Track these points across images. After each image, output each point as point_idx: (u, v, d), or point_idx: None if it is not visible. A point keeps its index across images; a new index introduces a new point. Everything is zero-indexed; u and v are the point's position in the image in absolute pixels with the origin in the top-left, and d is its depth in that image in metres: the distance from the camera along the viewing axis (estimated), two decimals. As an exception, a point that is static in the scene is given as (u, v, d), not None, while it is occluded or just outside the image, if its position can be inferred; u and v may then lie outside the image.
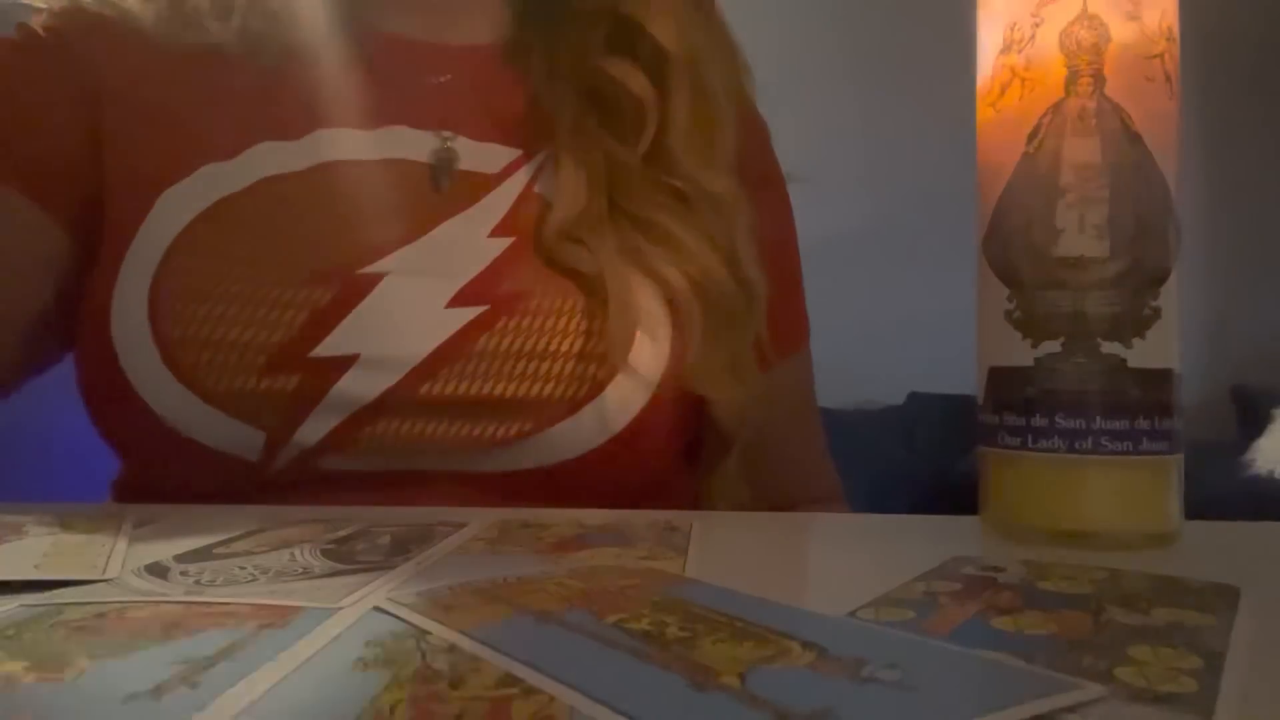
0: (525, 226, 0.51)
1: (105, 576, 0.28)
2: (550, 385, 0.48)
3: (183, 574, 0.29)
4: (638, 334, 0.49)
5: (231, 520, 0.37)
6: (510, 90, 0.57)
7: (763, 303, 0.56)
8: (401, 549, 0.32)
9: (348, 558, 0.31)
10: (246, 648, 0.20)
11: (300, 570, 0.29)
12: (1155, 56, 0.34)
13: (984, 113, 0.36)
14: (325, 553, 0.31)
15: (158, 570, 0.29)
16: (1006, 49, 0.35)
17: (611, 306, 0.49)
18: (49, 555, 0.32)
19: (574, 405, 0.48)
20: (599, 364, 0.48)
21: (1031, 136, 0.34)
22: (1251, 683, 0.19)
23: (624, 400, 0.49)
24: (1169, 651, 0.21)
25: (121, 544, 0.33)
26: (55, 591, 0.26)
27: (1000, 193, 0.35)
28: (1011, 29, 0.35)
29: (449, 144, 0.53)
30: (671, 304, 0.52)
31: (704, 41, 0.57)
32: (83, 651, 0.20)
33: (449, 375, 0.47)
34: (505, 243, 0.51)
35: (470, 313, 0.48)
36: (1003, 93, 0.35)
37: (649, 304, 0.51)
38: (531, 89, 0.56)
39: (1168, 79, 0.34)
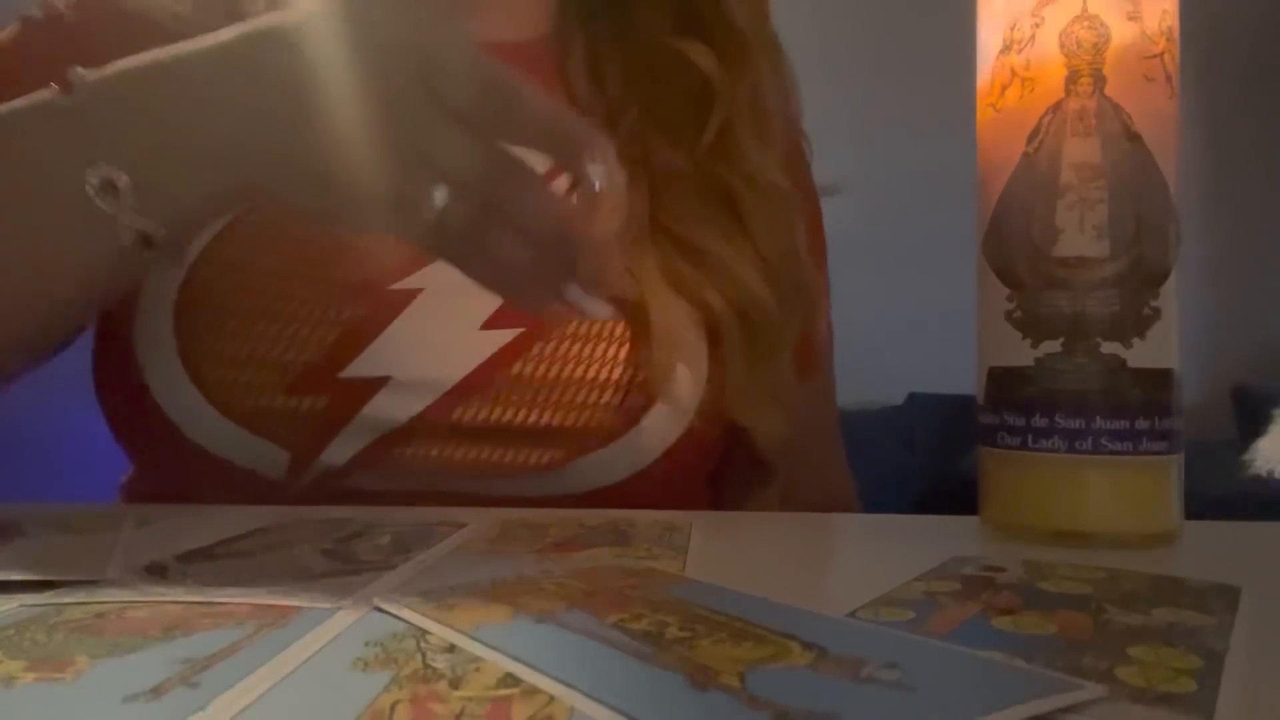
0: None
1: (105, 576, 0.28)
2: (586, 415, 0.47)
3: (183, 574, 0.29)
4: (677, 364, 0.48)
5: (232, 520, 0.37)
6: (550, 90, 0.54)
7: (818, 298, 0.54)
8: (401, 549, 0.32)
9: (348, 558, 0.31)
10: (246, 648, 0.20)
11: (300, 570, 0.29)
12: (1155, 56, 0.34)
13: (984, 113, 0.36)
14: (325, 553, 0.31)
15: (158, 570, 0.29)
16: (1006, 49, 0.35)
17: (655, 335, 0.47)
18: (49, 555, 0.32)
19: (608, 436, 0.47)
20: (637, 394, 0.47)
21: (1031, 136, 0.34)
22: (1251, 683, 0.19)
23: (660, 432, 0.48)
24: (1169, 651, 0.21)
25: (121, 544, 0.33)
26: (55, 591, 0.26)
27: (1000, 193, 0.35)
28: (1011, 29, 0.35)
29: None
30: (712, 331, 0.50)
31: (765, 45, 0.55)
32: (83, 651, 0.20)
33: (482, 401, 0.46)
34: None
35: (505, 336, 0.47)
36: (1003, 93, 0.35)
37: (689, 332, 0.49)
38: (570, 91, 0.54)
39: (1168, 79, 0.34)
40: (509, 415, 0.46)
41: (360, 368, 0.45)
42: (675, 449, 0.49)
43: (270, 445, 0.45)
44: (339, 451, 0.46)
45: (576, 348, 0.47)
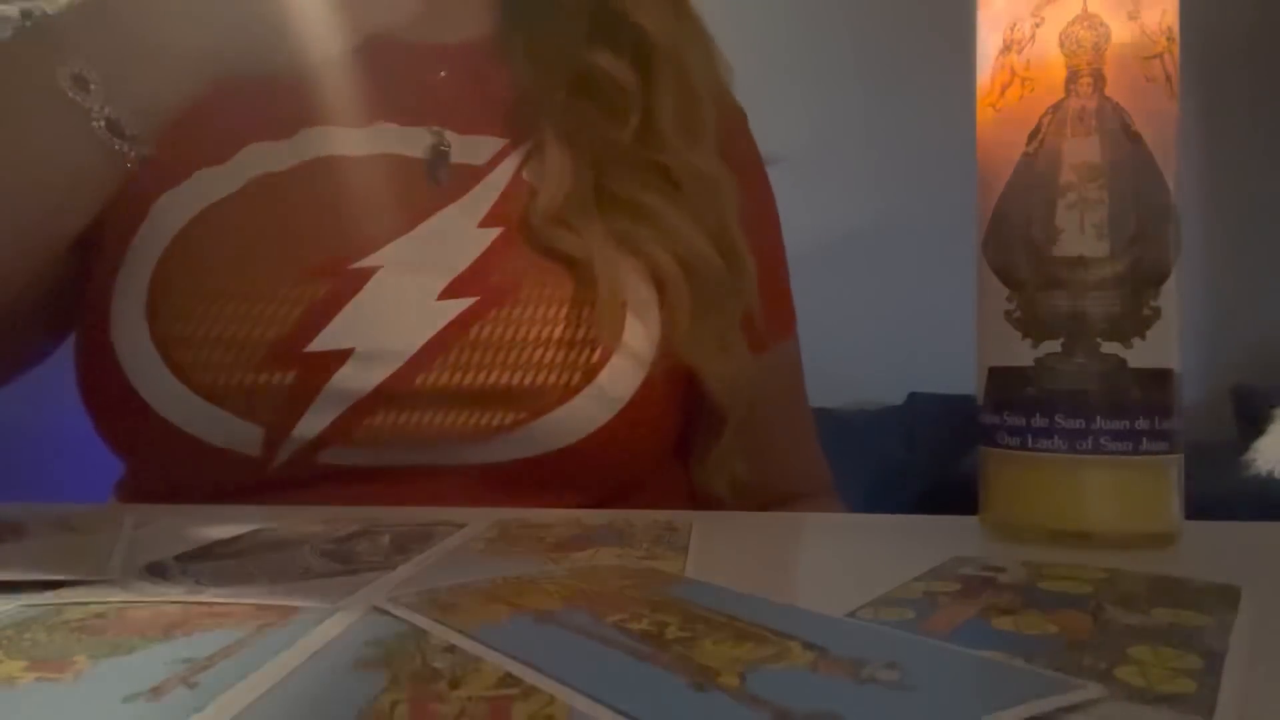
0: (513, 215, 0.52)
1: (105, 576, 0.28)
2: (544, 373, 0.48)
3: (183, 574, 0.29)
4: (628, 317, 0.50)
5: (231, 520, 0.37)
6: (497, 83, 0.58)
7: (753, 278, 0.57)
8: (401, 549, 0.32)
9: (348, 558, 0.31)
10: (246, 648, 0.20)
11: (300, 570, 0.29)
12: (1155, 56, 0.34)
13: (984, 113, 0.36)
14: (325, 553, 0.31)
15: (158, 570, 0.29)
16: (1006, 49, 0.35)
17: (601, 290, 0.50)
18: (49, 555, 0.32)
19: (569, 391, 0.49)
20: (591, 349, 0.49)
21: (1031, 136, 0.34)
22: (1251, 683, 0.19)
23: (619, 384, 0.50)
24: (1169, 651, 0.21)
25: (121, 544, 0.33)
26: (55, 591, 0.26)
27: (1000, 193, 0.35)
28: (1011, 29, 0.35)
29: (440, 137, 0.54)
30: (659, 285, 0.53)
31: (682, 31, 0.58)
32: (83, 651, 0.20)
33: (444, 365, 0.48)
34: (494, 233, 0.51)
35: (461, 304, 0.49)
36: (1003, 93, 0.35)
37: (637, 286, 0.52)
38: (517, 80, 0.57)
39: (1168, 79, 0.34)
40: (469, 378, 0.48)
41: (325, 341, 0.47)
42: (639, 396, 0.50)
43: (244, 422, 0.47)
44: (311, 424, 0.47)
45: (530, 310, 0.49)
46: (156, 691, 0.18)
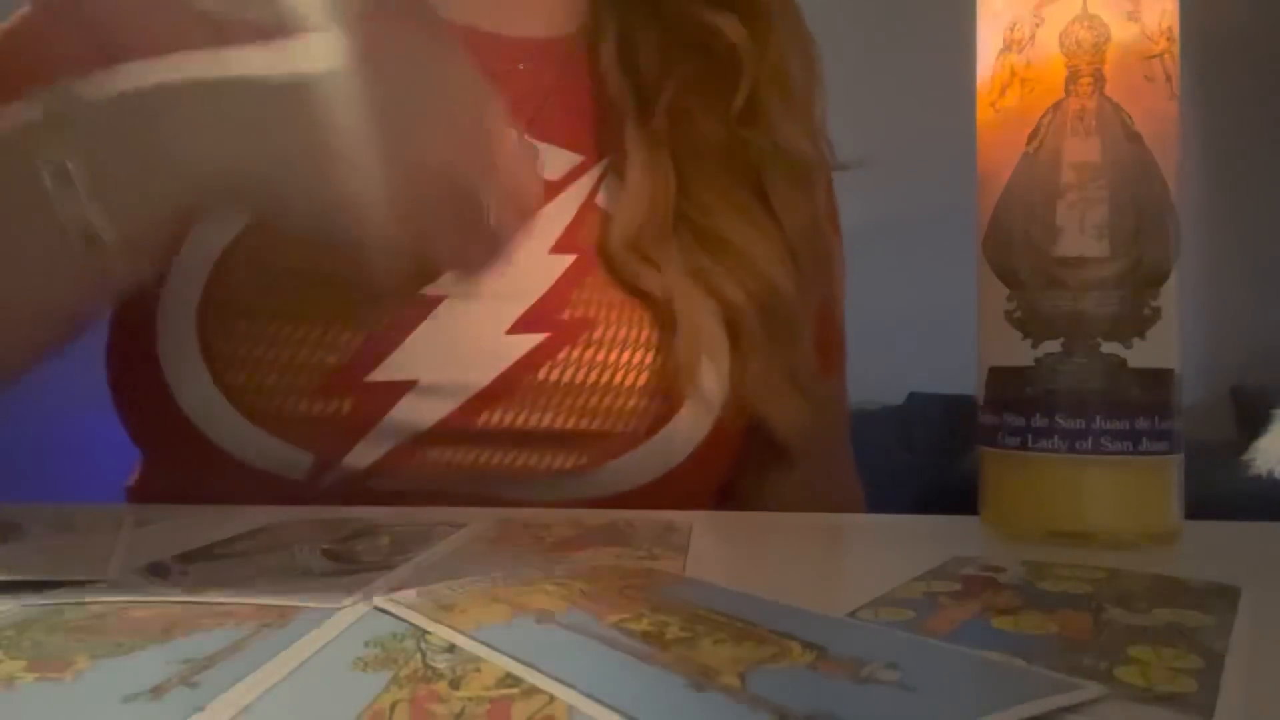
0: (587, 242, 0.49)
1: (105, 576, 0.28)
2: (612, 419, 0.46)
3: (183, 574, 0.29)
4: (702, 362, 0.48)
5: (231, 520, 0.37)
6: (579, 89, 0.55)
7: (837, 267, 0.56)
8: (401, 549, 0.32)
9: (348, 558, 0.31)
10: (246, 648, 0.20)
11: (300, 570, 0.29)
12: (1155, 56, 0.34)
13: (984, 113, 0.36)
14: (325, 553, 0.31)
15: (158, 570, 0.29)
16: (1006, 49, 0.35)
17: (681, 333, 0.47)
18: (49, 555, 0.32)
19: (635, 439, 0.47)
20: (663, 399, 0.47)
21: (1031, 136, 0.34)
22: (1251, 683, 0.19)
23: (688, 432, 0.48)
24: (1169, 651, 0.21)
25: (121, 544, 0.33)
26: (55, 591, 0.26)
27: (1000, 193, 0.35)
28: (1011, 29, 0.35)
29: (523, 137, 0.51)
30: (731, 325, 0.50)
31: (785, 14, 0.56)
32: (83, 651, 0.20)
33: (508, 406, 0.46)
34: (567, 260, 0.48)
35: (532, 340, 0.46)
36: (1003, 93, 0.35)
37: (712, 327, 0.49)
38: (600, 81, 0.54)
39: (1168, 79, 0.34)
40: (535, 420, 0.46)
41: (386, 371, 0.45)
42: (703, 447, 0.48)
43: (294, 449, 0.45)
44: (363, 455, 0.45)
45: (603, 354, 0.47)
46: (156, 691, 0.18)
